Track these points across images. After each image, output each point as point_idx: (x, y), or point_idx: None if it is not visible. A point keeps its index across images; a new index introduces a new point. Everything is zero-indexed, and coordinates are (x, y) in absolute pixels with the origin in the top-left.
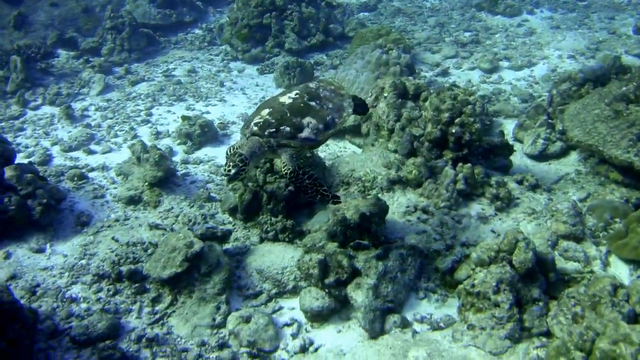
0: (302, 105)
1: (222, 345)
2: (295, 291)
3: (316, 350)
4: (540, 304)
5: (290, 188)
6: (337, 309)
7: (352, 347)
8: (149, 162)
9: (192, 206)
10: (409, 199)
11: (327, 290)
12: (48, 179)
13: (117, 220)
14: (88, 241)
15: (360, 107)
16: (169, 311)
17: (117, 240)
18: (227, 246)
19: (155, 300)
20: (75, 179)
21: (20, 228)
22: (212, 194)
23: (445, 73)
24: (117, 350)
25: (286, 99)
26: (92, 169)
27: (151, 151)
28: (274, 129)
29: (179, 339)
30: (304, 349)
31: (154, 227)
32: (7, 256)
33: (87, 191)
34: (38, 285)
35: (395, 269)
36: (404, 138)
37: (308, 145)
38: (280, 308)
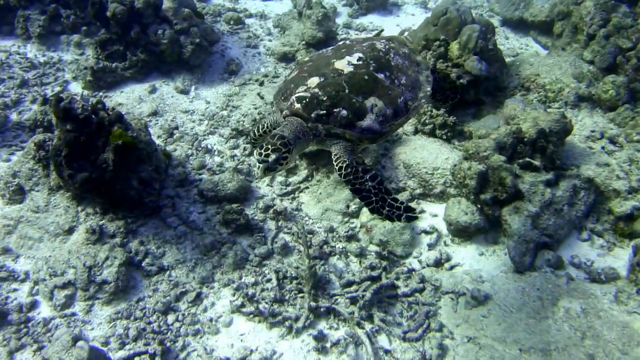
0: (366, 77)
1: (351, 237)
2: (442, 197)
3: (452, 268)
4: None
5: (461, 81)
6: (485, 229)
7: (493, 275)
8: (310, 20)
9: None
10: (596, 122)
11: (479, 205)
12: (205, 17)
13: (266, 75)
14: (233, 92)
15: (445, 90)
16: (302, 186)
17: (262, 97)
18: None
19: (291, 171)
20: (232, 22)
21: (169, 64)
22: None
23: None
24: (243, 216)
25: (344, 65)
26: (250, 15)
27: (314, 8)
28: (324, 112)
29: (307, 219)
30: (438, 263)
31: None
32: (153, 90)
33: (241, 38)
34: (177, 128)
35: (564, 200)
36: (606, 49)
37: (368, 138)
38: (422, 212)
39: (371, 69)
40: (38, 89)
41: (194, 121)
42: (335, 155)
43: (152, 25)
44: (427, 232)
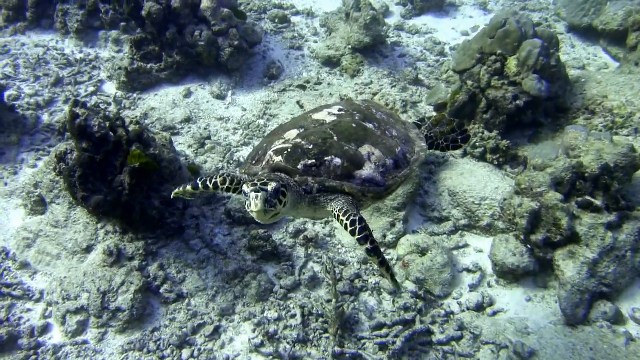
0: (354, 125)
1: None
2: (488, 230)
3: (494, 314)
4: None
5: (517, 102)
6: (534, 272)
7: (541, 327)
8: (357, 23)
9: (394, 86)
10: None
11: (529, 246)
12: (248, 14)
13: (308, 81)
14: (271, 99)
15: (446, 133)
16: None
17: (302, 107)
18: None
19: None
20: (277, 20)
21: (206, 67)
22: (420, 76)
23: None
24: (270, 242)
25: (325, 116)
26: (297, 13)
27: (363, 11)
28: (313, 161)
29: (339, 247)
30: (480, 307)
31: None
32: (188, 94)
33: (285, 38)
34: (209, 137)
35: (627, 246)
36: None
37: (372, 192)
38: (465, 246)
39: (357, 118)
40: (72, 88)
41: (228, 130)
42: (342, 210)
43: (189, 26)
44: (469, 271)
